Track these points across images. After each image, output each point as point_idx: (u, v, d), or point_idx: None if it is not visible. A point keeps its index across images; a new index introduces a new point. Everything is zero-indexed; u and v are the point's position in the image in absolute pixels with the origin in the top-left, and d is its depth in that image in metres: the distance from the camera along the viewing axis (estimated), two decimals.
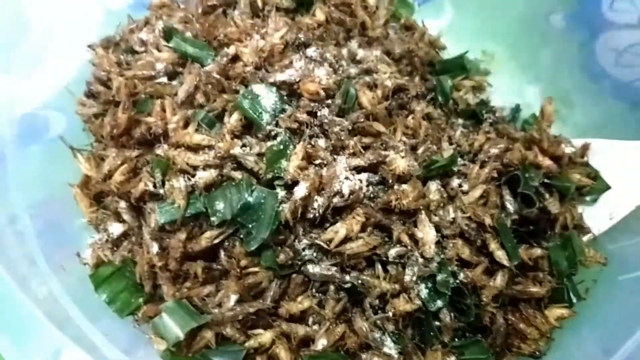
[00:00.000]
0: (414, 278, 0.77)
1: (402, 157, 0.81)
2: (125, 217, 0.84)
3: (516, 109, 1.04)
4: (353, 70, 0.94)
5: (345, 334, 0.78)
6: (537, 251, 0.81)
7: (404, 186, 0.80)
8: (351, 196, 0.78)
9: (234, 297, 0.77)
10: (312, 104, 0.85)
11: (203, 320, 0.76)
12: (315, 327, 0.79)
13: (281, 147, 0.81)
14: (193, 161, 0.81)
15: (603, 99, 0.92)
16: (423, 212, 0.80)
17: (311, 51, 0.93)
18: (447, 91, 1.00)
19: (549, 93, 0.97)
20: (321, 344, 0.76)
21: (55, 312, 0.75)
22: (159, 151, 0.83)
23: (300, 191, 0.76)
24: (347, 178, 0.79)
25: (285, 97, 0.87)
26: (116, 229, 0.84)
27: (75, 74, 0.98)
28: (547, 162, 0.87)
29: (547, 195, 0.83)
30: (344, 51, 0.97)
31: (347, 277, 0.77)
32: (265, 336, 0.78)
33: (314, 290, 0.79)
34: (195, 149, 0.82)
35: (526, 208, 0.83)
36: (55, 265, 0.81)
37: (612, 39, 0.94)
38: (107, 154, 0.86)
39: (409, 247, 0.78)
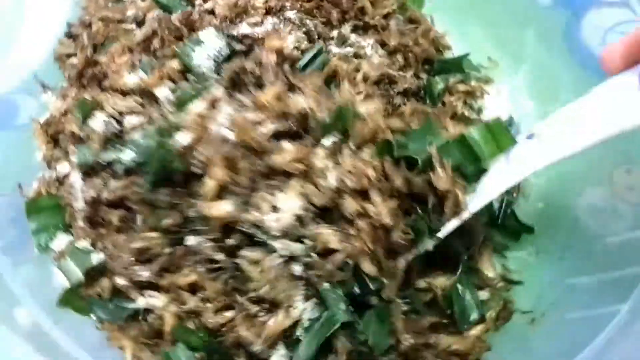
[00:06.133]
0: None
1: None
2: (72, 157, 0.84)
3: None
4: (336, 50, 0.84)
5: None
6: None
7: None
8: None
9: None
10: None
11: (98, 260, 0.74)
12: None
13: (193, 92, 0.74)
14: (119, 106, 0.78)
15: (589, 79, 0.73)
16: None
17: (291, 13, 0.85)
18: (435, 94, 0.87)
19: (534, 73, 0.91)
20: None
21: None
22: (92, 93, 0.81)
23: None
24: None
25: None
26: (63, 168, 0.85)
27: (46, 56, 0.94)
28: None
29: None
30: (334, 33, 0.86)
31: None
32: (158, 299, 0.73)
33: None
34: (126, 93, 0.79)
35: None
36: (17, 262, 0.78)
37: (598, 16, 0.86)
38: (69, 94, 0.87)
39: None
